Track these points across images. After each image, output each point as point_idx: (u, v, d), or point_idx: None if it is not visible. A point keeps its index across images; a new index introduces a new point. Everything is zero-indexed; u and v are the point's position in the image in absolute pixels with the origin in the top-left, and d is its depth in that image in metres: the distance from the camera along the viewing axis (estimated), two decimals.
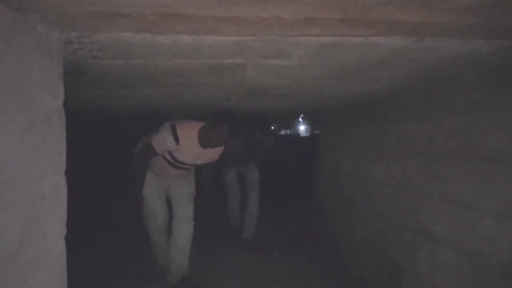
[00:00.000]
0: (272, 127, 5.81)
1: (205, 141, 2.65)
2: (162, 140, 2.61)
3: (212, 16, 0.99)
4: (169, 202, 3.08)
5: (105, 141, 5.73)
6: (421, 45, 1.31)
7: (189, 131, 2.65)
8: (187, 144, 2.66)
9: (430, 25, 1.09)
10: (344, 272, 3.31)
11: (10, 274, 0.91)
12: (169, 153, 2.72)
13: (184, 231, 2.98)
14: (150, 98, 2.58)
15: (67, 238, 1.18)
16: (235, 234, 4.24)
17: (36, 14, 0.95)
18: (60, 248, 1.15)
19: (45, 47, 1.04)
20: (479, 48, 1.36)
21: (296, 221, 5.02)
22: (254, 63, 1.56)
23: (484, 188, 1.73)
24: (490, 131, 1.70)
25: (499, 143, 1.64)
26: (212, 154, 2.87)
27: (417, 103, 2.29)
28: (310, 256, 3.77)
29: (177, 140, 2.60)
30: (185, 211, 3.01)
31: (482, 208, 1.74)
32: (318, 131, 6.65)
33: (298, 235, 4.45)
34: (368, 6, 0.96)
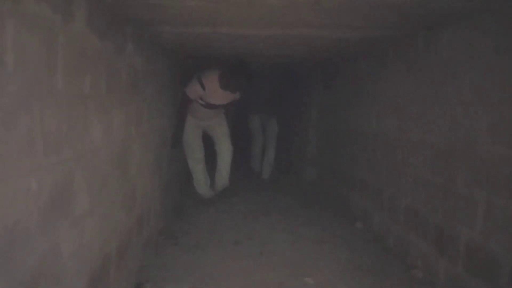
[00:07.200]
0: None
1: (224, 85, 3.50)
2: (193, 88, 3.55)
3: None
4: (211, 141, 4.09)
5: None
6: None
7: (211, 78, 3.53)
8: (211, 88, 3.53)
9: None
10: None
11: None
12: (201, 98, 3.61)
13: (225, 162, 4.04)
14: None
15: None
16: (257, 177, 5.37)
17: None
18: None
19: None
20: None
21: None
22: None
23: None
24: None
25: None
26: (233, 96, 3.74)
27: None
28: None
29: (203, 86, 3.48)
30: (225, 146, 4.02)
31: None
32: None
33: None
34: None
